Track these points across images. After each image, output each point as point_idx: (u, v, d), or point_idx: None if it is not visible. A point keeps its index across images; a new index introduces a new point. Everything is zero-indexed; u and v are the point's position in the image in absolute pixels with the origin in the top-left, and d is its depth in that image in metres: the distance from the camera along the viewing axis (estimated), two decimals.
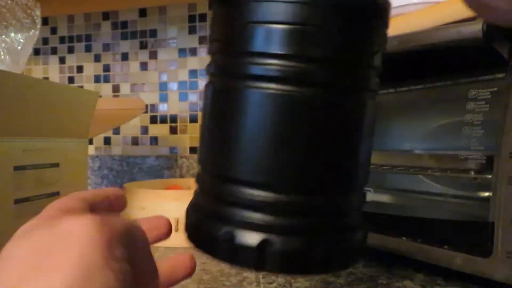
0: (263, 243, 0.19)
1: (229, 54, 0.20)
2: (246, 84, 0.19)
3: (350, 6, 0.18)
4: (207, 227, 0.21)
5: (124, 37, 1.00)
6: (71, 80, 1.05)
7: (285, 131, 0.19)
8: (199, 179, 0.23)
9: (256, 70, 0.19)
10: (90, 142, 1.02)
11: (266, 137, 0.19)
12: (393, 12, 0.51)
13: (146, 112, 0.99)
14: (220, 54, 0.21)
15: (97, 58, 1.03)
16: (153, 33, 0.98)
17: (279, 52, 0.18)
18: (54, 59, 1.06)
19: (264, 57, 0.19)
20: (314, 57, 0.18)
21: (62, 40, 1.05)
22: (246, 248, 0.19)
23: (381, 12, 0.20)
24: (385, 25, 0.21)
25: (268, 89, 0.19)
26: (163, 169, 0.96)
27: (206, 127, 0.22)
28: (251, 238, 0.19)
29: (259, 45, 0.19)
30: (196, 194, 0.23)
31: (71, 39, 1.04)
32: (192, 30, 0.96)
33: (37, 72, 1.07)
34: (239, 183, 0.20)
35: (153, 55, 0.99)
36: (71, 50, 1.05)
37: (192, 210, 0.23)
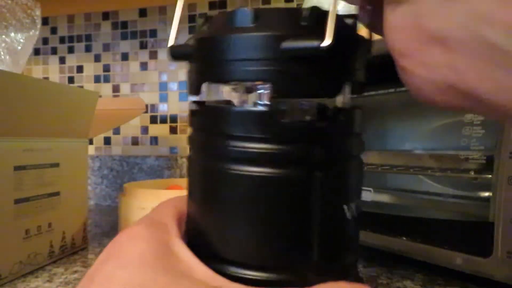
0: None
1: (208, 135, 0.21)
2: (223, 166, 0.20)
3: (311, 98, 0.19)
4: None
5: (124, 37, 1.00)
6: (71, 80, 1.05)
7: (262, 211, 0.19)
8: None
9: (231, 153, 0.19)
10: (90, 142, 1.02)
11: (239, 216, 0.19)
12: None
13: (146, 112, 0.99)
14: (202, 135, 0.22)
15: (97, 58, 1.03)
16: (153, 33, 0.98)
17: (250, 135, 0.19)
18: (54, 59, 1.06)
19: (239, 140, 0.19)
20: (282, 140, 0.19)
21: (62, 40, 1.05)
22: None
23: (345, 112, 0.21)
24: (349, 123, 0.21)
25: (244, 171, 0.19)
26: (163, 169, 0.96)
27: (190, 201, 0.22)
28: None
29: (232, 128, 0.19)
30: None
31: (71, 39, 1.04)
32: (192, 30, 0.95)
33: (37, 72, 1.07)
34: (219, 260, 0.20)
35: (153, 55, 0.99)
36: (71, 50, 1.05)
37: None
